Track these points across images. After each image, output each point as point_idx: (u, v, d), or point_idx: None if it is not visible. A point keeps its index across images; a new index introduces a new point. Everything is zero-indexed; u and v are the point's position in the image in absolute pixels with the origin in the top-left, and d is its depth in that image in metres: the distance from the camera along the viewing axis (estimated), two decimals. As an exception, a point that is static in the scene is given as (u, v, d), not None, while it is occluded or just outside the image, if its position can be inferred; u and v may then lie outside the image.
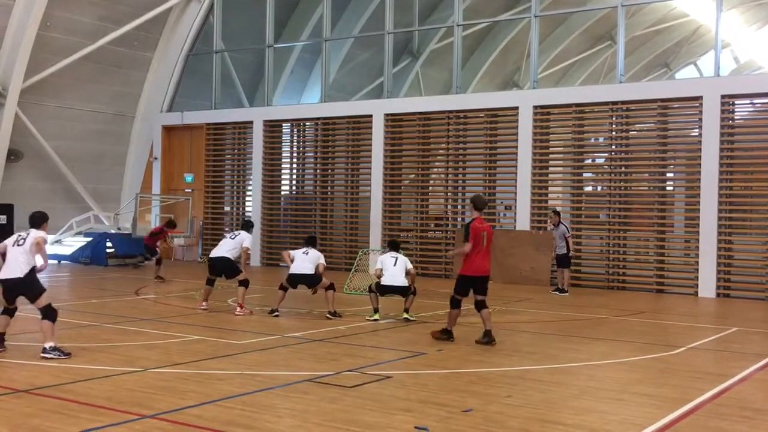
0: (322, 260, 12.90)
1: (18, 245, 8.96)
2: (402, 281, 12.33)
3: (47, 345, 8.66)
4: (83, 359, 8.66)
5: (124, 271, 21.10)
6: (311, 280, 12.73)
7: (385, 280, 12.31)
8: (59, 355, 8.55)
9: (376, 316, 12.19)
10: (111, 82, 24.78)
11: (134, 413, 6.36)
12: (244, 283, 12.76)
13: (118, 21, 23.56)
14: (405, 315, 12.30)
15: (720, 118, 17.25)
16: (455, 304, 10.22)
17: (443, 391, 7.45)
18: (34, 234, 9.10)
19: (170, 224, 19.17)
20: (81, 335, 10.38)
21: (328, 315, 12.40)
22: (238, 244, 13.13)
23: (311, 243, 13.16)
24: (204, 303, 13.00)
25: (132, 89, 25.54)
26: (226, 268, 13.06)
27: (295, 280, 12.69)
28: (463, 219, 21.51)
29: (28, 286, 8.92)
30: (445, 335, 10.24)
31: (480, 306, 10.09)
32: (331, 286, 12.67)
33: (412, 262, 12.87)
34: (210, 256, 13.41)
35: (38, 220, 9.40)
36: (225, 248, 13.12)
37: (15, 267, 8.85)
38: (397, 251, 12.75)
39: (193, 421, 6.19)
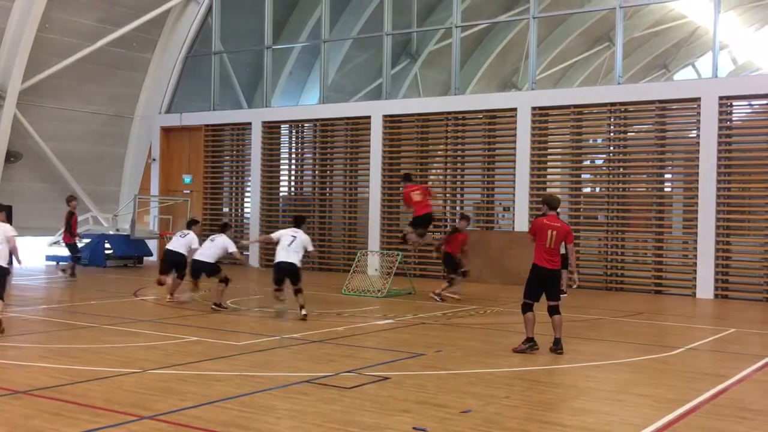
0: (310, 246, 12.68)
1: None
2: (294, 259, 12.14)
3: None
4: (82, 360, 8.67)
5: (122, 272, 21.09)
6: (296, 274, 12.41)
7: (277, 257, 12.35)
8: None
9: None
10: (110, 84, 24.76)
11: (133, 414, 6.37)
12: (225, 281, 13.29)
13: (117, 22, 23.56)
14: (302, 312, 12.01)
15: (718, 119, 17.27)
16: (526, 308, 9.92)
17: (442, 392, 7.46)
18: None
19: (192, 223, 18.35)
20: (80, 336, 10.39)
21: (213, 306, 12.95)
22: (218, 247, 13.54)
23: (299, 223, 12.95)
24: (170, 296, 14.07)
25: (131, 90, 25.53)
26: (206, 269, 13.44)
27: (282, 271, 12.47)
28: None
29: None
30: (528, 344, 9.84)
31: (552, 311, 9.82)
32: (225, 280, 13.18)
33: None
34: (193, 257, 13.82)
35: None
36: (206, 252, 13.50)
37: None
38: (299, 228, 12.59)
39: (192, 422, 6.20)
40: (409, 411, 6.68)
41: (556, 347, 9.68)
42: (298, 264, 12.31)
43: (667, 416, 6.71)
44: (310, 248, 12.56)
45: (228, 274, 13.44)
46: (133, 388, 7.34)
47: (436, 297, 15.09)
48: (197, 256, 13.56)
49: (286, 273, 12.30)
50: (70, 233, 18.75)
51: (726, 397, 7.58)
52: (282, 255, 12.30)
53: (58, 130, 23.87)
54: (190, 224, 15.20)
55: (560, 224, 9.89)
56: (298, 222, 12.95)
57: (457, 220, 17.35)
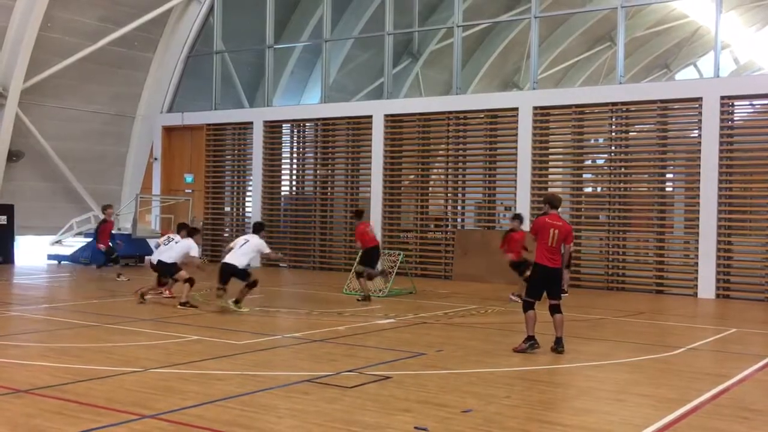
0: (265, 249, 13.36)
1: None
2: (240, 262, 12.77)
3: None
4: (83, 359, 8.68)
5: (124, 271, 21.06)
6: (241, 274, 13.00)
7: (225, 258, 12.89)
8: None
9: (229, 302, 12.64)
10: (111, 83, 24.79)
11: (134, 413, 6.38)
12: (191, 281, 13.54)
13: (119, 22, 23.58)
14: (230, 302, 12.63)
15: (720, 119, 17.25)
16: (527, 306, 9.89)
17: (443, 391, 7.47)
18: None
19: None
20: (81, 335, 10.40)
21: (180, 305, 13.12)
22: (252, 249, 13.27)
23: (256, 230, 13.69)
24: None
25: (132, 90, 25.55)
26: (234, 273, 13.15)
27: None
28: (463, 219, 21.58)
29: None
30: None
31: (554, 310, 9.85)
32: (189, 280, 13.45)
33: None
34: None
35: None
36: (239, 253, 13.13)
37: None
38: (257, 234, 13.36)
39: (193, 421, 6.20)
40: (410, 410, 6.69)
41: (557, 346, 9.68)
42: (240, 266, 12.90)
43: (668, 416, 6.71)
44: (266, 251, 13.41)
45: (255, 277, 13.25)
46: (134, 387, 7.35)
47: (516, 299, 14.26)
48: (230, 260, 13.08)
49: (227, 273, 12.96)
50: (99, 241, 18.83)
51: (727, 397, 7.58)
52: (228, 257, 13.12)
53: (59, 129, 23.90)
54: (258, 229, 13.88)
55: (562, 223, 9.89)
56: (255, 228, 13.85)
57: (509, 221, 16.69)
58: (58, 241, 23.86)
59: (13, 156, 22.81)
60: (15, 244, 22.60)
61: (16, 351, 9.24)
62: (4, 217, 22.11)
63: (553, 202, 10.18)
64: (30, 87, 22.49)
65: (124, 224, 24.35)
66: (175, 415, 6.35)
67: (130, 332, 10.64)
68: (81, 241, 23.52)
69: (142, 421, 6.19)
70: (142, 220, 23.63)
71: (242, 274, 12.94)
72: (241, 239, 13.43)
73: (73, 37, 23.00)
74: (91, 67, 23.85)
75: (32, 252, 23.72)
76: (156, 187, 25.68)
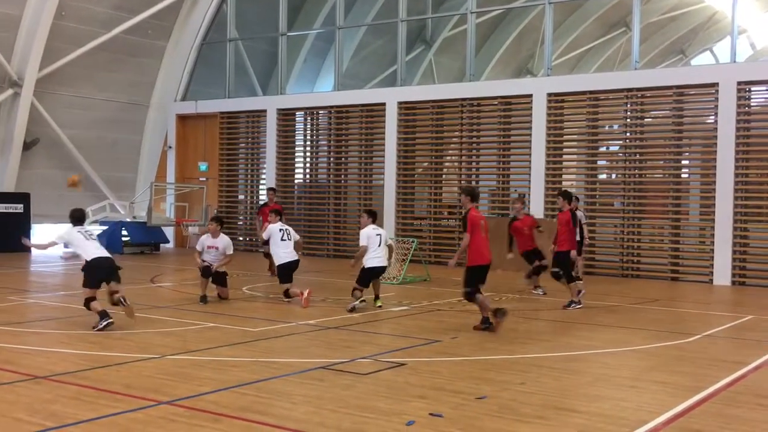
0: (230, 249, 12.91)
1: None
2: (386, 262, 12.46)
3: None
4: (100, 346, 8.75)
5: (139, 259, 21.23)
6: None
7: (373, 261, 12.06)
8: None
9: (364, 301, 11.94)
10: (125, 71, 24.87)
11: (151, 399, 6.43)
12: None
13: (132, 10, 23.63)
14: (379, 303, 12.22)
15: (736, 104, 17.12)
16: (473, 295, 10.14)
17: (457, 378, 7.48)
18: None
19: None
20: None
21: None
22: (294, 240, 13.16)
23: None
24: None
25: (146, 78, 25.62)
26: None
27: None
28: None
29: None
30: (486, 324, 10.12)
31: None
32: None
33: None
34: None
35: None
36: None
37: None
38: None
39: (209, 407, 6.25)
40: (424, 397, 6.71)
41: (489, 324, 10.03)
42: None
43: (683, 403, 6.70)
44: (230, 251, 12.92)
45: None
46: (151, 373, 7.41)
47: (576, 304, 12.63)
48: (292, 257, 12.85)
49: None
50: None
51: (743, 385, 7.55)
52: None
53: (74, 117, 24.03)
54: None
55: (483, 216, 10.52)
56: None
57: (510, 205, 15.77)
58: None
59: (28, 143, 22.94)
60: (31, 232, 22.77)
61: (34, 338, 9.33)
62: (21, 206, 22.27)
63: (474, 194, 10.69)
64: (45, 76, 22.60)
65: (138, 213, 24.46)
66: (192, 401, 6.40)
67: (146, 319, 10.70)
68: (97, 229, 23.65)
69: (158, 407, 6.24)
70: (156, 208, 23.73)
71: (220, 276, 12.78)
72: (279, 231, 12.84)
73: (87, 26, 23.07)
74: (105, 56, 23.93)
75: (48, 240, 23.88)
76: (170, 175, 25.78)
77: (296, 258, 12.92)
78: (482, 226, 10.22)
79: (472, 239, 10.11)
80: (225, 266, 12.78)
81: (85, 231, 10.20)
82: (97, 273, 9.90)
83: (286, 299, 12.54)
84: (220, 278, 12.67)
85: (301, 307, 11.86)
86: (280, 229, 12.86)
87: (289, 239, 12.88)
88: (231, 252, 12.81)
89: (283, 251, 12.75)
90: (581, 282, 13.10)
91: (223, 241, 12.77)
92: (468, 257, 10.24)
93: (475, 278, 10.18)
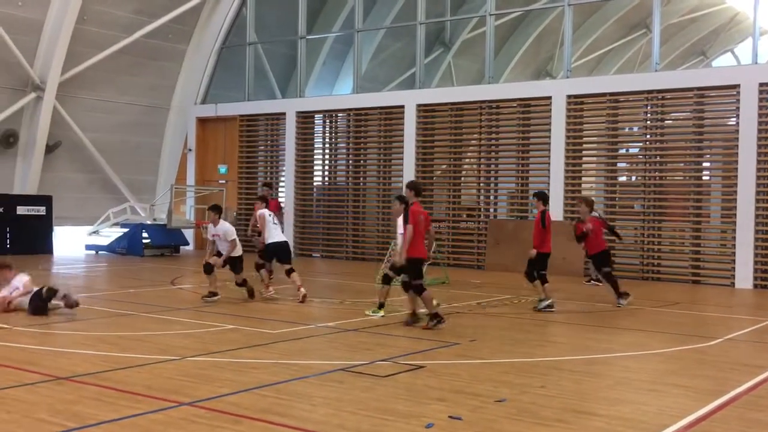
0: (232, 235, 13.03)
1: None
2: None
3: None
4: (121, 348, 8.82)
5: (160, 261, 21.37)
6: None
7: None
8: None
9: (382, 312, 11.36)
10: (146, 75, 25.07)
11: (172, 401, 6.47)
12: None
13: (153, 14, 23.82)
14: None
15: (758, 106, 16.97)
16: (420, 288, 10.47)
17: (476, 381, 7.46)
18: None
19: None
20: (119, 324, 10.56)
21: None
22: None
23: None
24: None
25: (167, 81, 25.81)
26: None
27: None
28: (495, 209, 21.50)
29: None
30: (435, 320, 10.40)
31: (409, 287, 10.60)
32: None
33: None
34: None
35: None
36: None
37: None
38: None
39: (229, 408, 6.28)
40: (443, 399, 6.70)
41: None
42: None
43: (704, 407, 6.64)
44: (231, 237, 13.08)
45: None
46: (171, 375, 7.46)
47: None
48: (282, 239, 13.48)
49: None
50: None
51: (765, 388, 7.48)
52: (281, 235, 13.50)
53: (96, 121, 24.25)
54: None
55: (425, 211, 10.83)
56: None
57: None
58: (95, 232, 24.22)
59: (50, 147, 23.16)
60: (53, 234, 23.00)
61: (56, 339, 9.42)
62: (43, 208, 22.51)
63: (418, 188, 11.22)
64: (67, 79, 22.83)
65: (159, 215, 24.65)
66: (212, 403, 6.43)
67: (167, 321, 10.78)
68: (118, 232, 23.87)
69: (179, 408, 6.28)
70: (176, 211, 23.88)
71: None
72: (269, 215, 13.34)
73: (109, 30, 23.28)
74: (126, 59, 24.14)
75: (70, 242, 24.14)
76: (190, 178, 25.94)
77: (285, 240, 13.50)
78: (421, 221, 10.55)
79: (414, 232, 10.39)
80: (233, 252, 12.95)
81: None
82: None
83: (254, 273, 13.26)
84: (233, 265, 13.05)
85: (259, 293, 12.83)
86: (270, 214, 13.40)
87: (276, 224, 13.46)
88: (232, 238, 12.97)
89: (275, 233, 13.22)
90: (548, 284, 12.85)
91: (223, 227, 13.04)
92: (407, 250, 10.48)
93: (419, 270, 10.60)
